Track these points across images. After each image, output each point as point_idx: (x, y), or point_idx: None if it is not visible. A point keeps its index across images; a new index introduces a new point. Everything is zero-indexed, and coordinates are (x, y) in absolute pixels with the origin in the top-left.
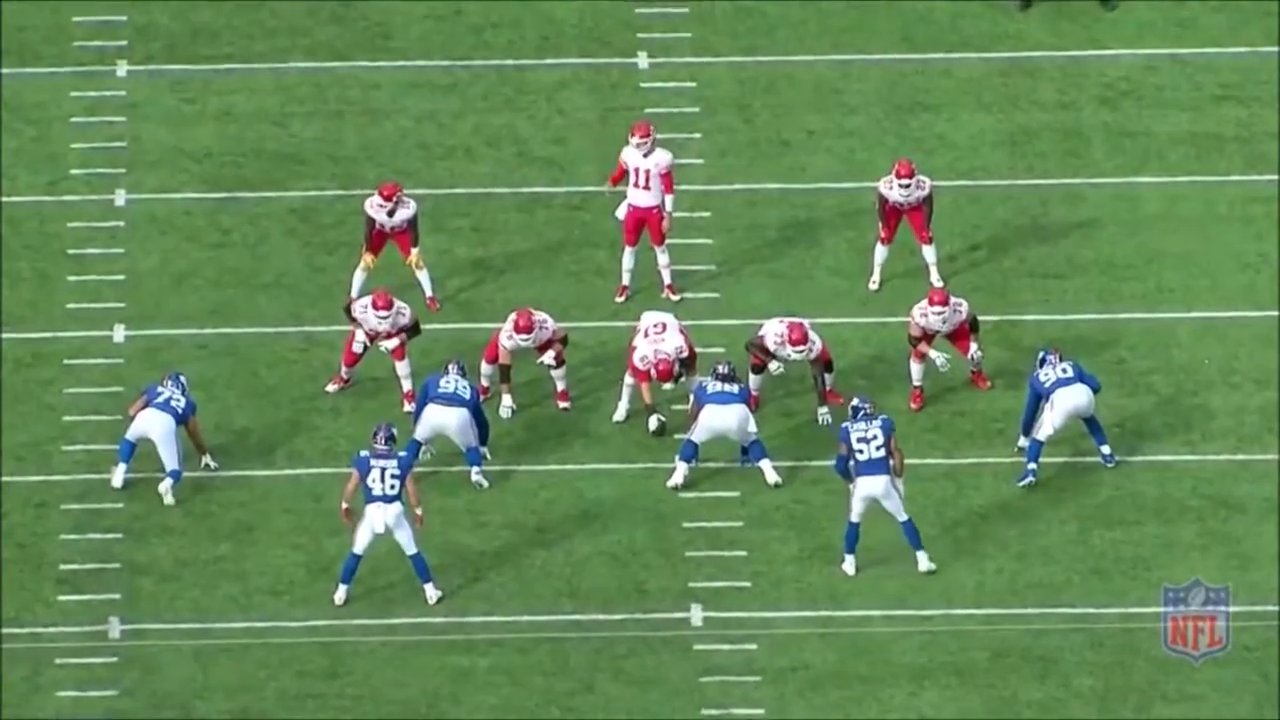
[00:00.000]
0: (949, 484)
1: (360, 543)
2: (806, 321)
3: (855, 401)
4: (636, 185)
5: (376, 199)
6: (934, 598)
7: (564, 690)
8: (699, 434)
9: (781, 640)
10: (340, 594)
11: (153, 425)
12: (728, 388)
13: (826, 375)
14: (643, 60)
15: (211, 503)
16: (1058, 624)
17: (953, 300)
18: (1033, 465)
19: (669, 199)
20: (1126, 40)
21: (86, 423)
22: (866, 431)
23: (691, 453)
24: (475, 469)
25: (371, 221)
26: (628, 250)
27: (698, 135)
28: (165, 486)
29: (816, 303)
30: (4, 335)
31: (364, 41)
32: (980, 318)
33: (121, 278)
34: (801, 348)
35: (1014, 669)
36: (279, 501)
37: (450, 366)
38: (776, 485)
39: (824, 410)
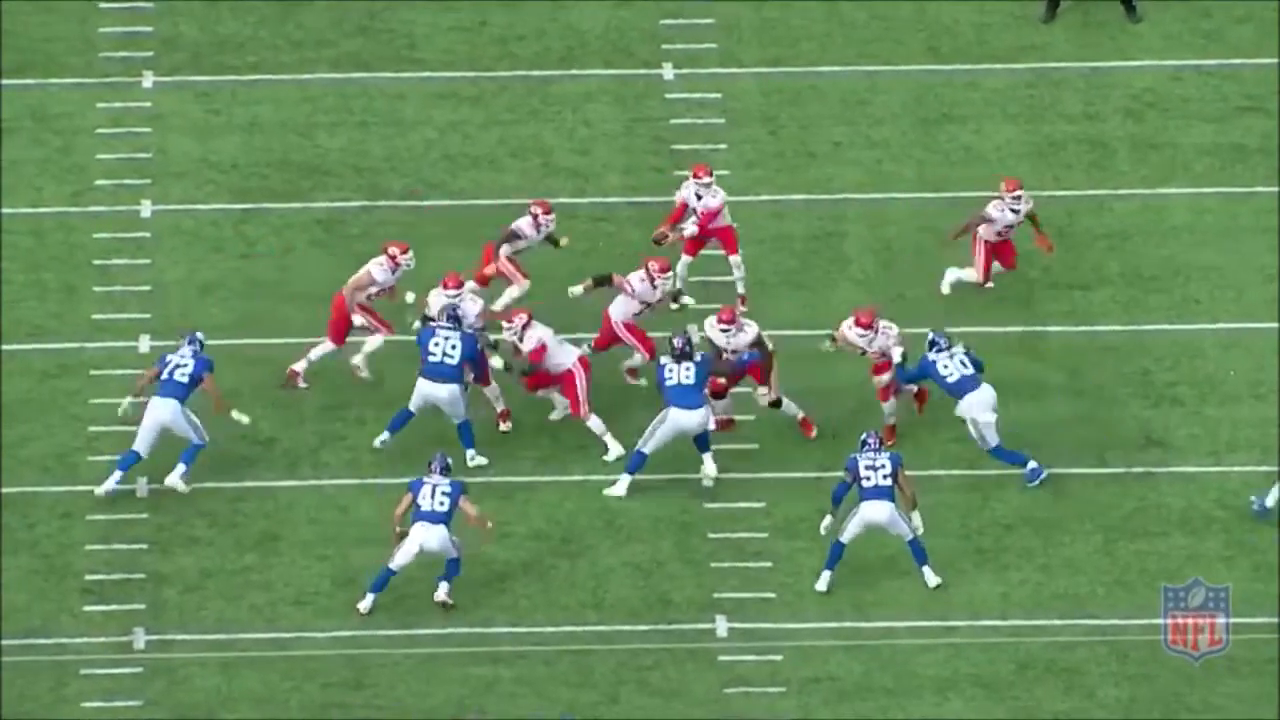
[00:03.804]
0: (974, 495)
1: (399, 560)
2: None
3: (864, 436)
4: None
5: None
6: (959, 609)
7: (588, 701)
8: (661, 437)
9: (806, 651)
10: (366, 603)
11: (162, 415)
12: (686, 379)
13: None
14: (668, 71)
15: (236, 513)
16: (1083, 636)
17: (881, 324)
18: (1033, 465)
19: (689, 226)
20: (1151, 51)
21: (112, 433)
22: (875, 460)
23: (640, 464)
24: (470, 451)
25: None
26: (684, 260)
27: (723, 147)
28: (177, 475)
29: (841, 314)
30: (31, 346)
31: (389, 53)
32: (1006, 329)
33: (147, 288)
34: (728, 328)
35: (1039, 680)
36: (304, 512)
37: (437, 325)
38: (713, 481)
39: (762, 391)
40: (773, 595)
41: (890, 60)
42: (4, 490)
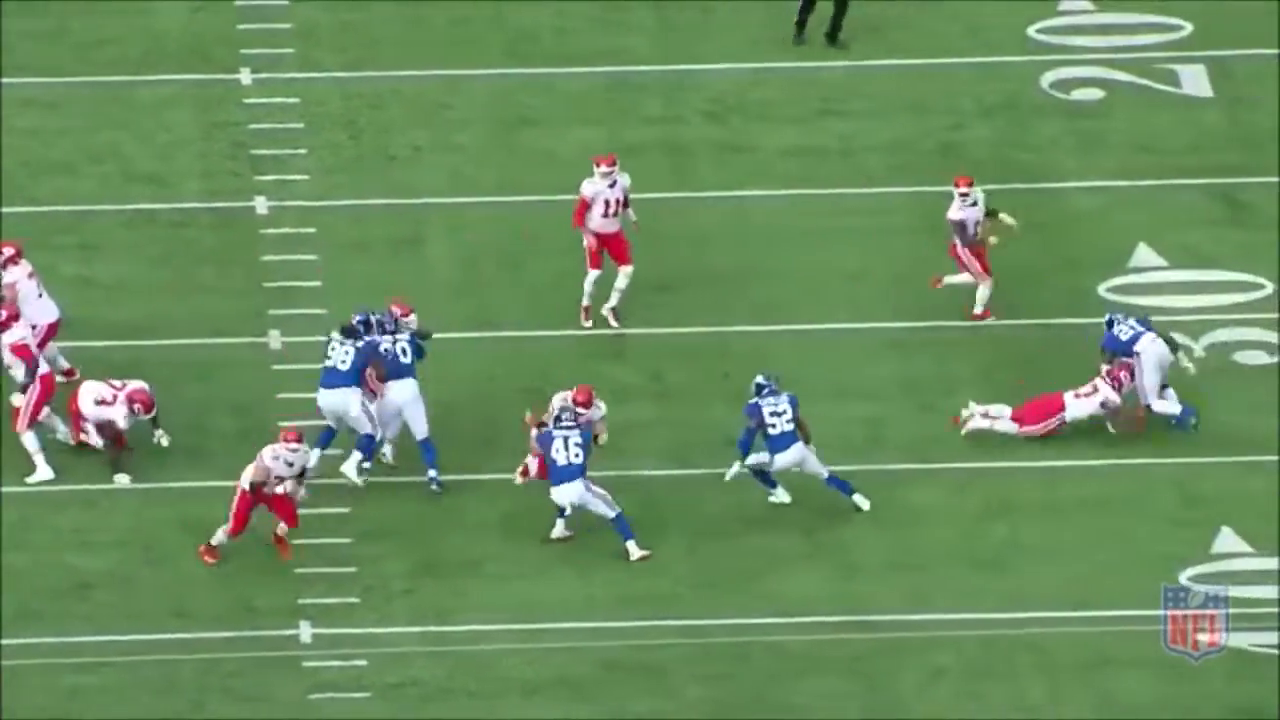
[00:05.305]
0: None
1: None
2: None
3: (759, 379)
4: (606, 215)
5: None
6: (544, 611)
7: (173, 709)
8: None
9: (391, 656)
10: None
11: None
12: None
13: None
14: (246, 76)
15: None
16: (667, 637)
17: (596, 400)
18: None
19: (630, 212)
20: (732, 55)
21: None
22: (776, 405)
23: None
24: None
25: None
26: (591, 274)
27: (303, 151)
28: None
29: (428, 315)
30: None
31: None
32: (594, 333)
33: None
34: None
35: (623, 681)
36: None
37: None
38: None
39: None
40: (357, 600)
41: (470, 64)
42: None
